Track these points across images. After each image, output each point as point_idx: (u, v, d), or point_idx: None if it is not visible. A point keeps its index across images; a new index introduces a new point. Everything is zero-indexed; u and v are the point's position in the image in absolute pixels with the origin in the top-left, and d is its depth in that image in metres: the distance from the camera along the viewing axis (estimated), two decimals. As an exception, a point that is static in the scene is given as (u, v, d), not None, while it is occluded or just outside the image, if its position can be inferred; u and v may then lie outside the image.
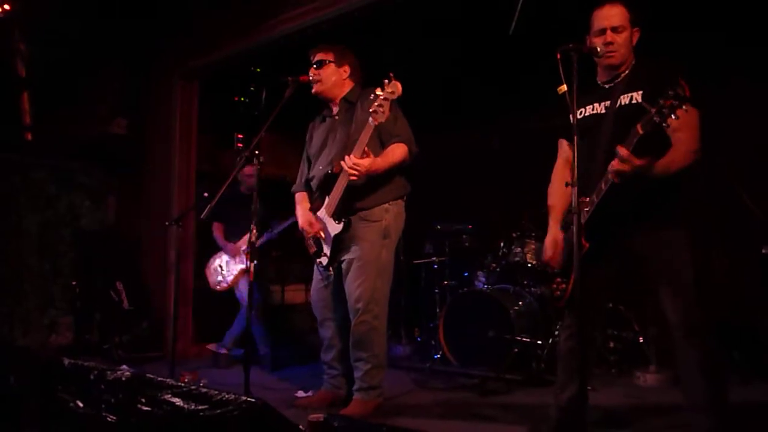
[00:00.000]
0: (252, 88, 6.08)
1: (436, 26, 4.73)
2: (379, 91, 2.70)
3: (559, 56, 2.08)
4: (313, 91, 3.16)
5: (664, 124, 1.94)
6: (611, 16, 2.30)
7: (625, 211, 2.22)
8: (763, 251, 3.97)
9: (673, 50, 2.86)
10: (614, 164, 2.09)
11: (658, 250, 2.26)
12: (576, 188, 2.05)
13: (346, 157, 2.81)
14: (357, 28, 4.44)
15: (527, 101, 5.14)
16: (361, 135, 2.81)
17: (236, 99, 6.31)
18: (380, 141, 2.96)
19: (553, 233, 2.52)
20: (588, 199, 2.24)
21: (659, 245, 2.25)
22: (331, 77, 3.15)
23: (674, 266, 2.24)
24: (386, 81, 2.70)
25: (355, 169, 2.78)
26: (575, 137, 2.09)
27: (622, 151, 2.05)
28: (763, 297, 3.91)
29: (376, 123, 2.73)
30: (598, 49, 2.27)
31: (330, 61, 3.15)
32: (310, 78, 3.12)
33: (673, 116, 1.91)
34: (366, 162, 2.79)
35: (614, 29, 2.29)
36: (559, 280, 2.46)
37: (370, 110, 2.70)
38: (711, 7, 4.15)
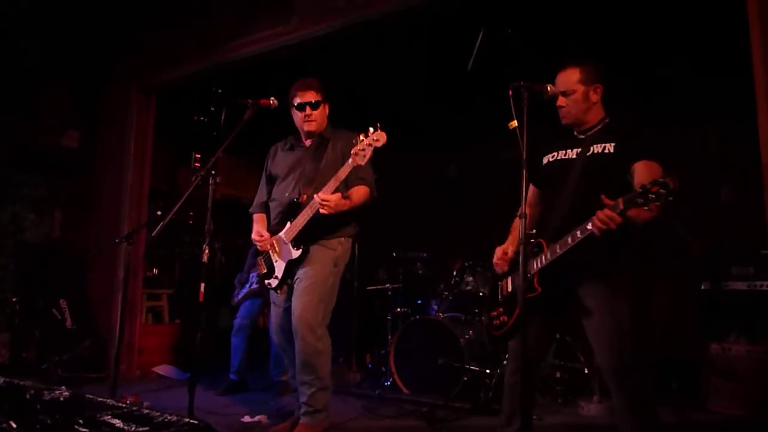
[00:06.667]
0: (212, 108, 6.05)
1: (395, 57, 4.84)
2: (363, 137, 2.82)
3: (510, 93, 2.17)
4: (307, 129, 3.23)
5: (645, 208, 1.97)
6: (559, 82, 2.47)
7: (583, 261, 2.26)
8: (702, 287, 4.15)
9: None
10: (600, 218, 2.06)
11: (600, 297, 2.28)
12: (525, 220, 2.12)
13: (318, 195, 2.90)
14: (318, 53, 4.52)
15: (484, 133, 5.27)
16: (339, 171, 2.92)
17: (195, 118, 6.27)
18: (346, 182, 3.05)
19: (507, 244, 2.57)
20: (534, 231, 2.30)
21: (603, 292, 2.28)
22: (322, 117, 3.26)
23: (614, 313, 2.25)
24: (372, 129, 2.82)
25: (326, 204, 2.88)
26: (524, 171, 2.16)
27: (609, 212, 2.04)
28: (701, 330, 4.07)
29: (355, 165, 2.85)
30: (548, 89, 2.38)
31: (322, 102, 3.24)
32: (304, 117, 3.20)
33: (657, 204, 1.93)
34: (335, 198, 2.91)
35: (563, 93, 2.45)
36: (501, 309, 2.52)
37: (353, 152, 2.82)
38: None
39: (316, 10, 4.24)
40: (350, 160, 2.84)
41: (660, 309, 4.42)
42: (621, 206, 2.02)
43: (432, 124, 5.93)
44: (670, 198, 1.90)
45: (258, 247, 3.26)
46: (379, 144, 2.81)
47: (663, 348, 4.30)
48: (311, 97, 3.20)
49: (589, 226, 2.12)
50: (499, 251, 2.57)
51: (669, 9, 4.06)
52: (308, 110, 3.19)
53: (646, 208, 1.96)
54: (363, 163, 2.83)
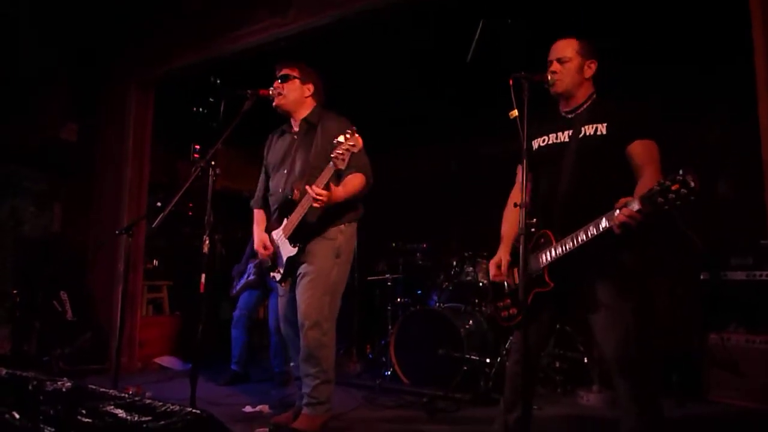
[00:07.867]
0: (211, 100, 6.04)
1: (395, 48, 4.82)
2: (341, 139, 2.78)
3: (511, 82, 2.16)
4: (274, 103, 3.19)
5: (666, 207, 1.90)
6: (558, 48, 2.45)
7: (594, 254, 2.22)
8: (702, 277, 4.16)
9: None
10: (620, 218, 2.03)
11: (608, 290, 2.26)
12: (524, 209, 2.11)
13: (310, 188, 2.86)
14: (318, 45, 4.50)
15: (485, 126, 5.26)
16: (322, 174, 2.88)
17: (195, 110, 6.26)
18: (338, 173, 3.00)
19: (500, 255, 2.56)
20: (535, 220, 2.28)
21: (611, 285, 2.26)
22: (294, 93, 3.20)
23: (621, 306, 2.23)
24: (348, 133, 2.78)
25: (319, 199, 2.85)
26: (524, 160, 2.16)
27: (629, 211, 2.00)
28: (701, 321, 4.08)
29: (336, 168, 2.82)
30: (549, 77, 2.38)
31: (295, 77, 3.19)
32: (272, 91, 3.16)
33: (679, 203, 1.86)
34: (327, 192, 2.87)
35: (559, 60, 2.42)
36: (509, 301, 2.50)
37: (333, 156, 2.79)
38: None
39: (314, 2, 4.22)
40: (331, 164, 2.81)
41: (660, 300, 4.43)
42: (638, 206, 1.97)
43: (432, 117, 5.91)
44: (692, 198, 1.82)
45: (263, 257, 3.22)
46: (355, 149, 2.80)
47: (663, 339, 4.31)
48: (283, 71, 3.19)
49: (604, 224, 2.09)
50: (492, 267, 2.54)
51: (670, 1, 4.04)
52: (276, 83, 3.16)
53: (666, 207, 1.88)
54: (343, 167, 2.81)
